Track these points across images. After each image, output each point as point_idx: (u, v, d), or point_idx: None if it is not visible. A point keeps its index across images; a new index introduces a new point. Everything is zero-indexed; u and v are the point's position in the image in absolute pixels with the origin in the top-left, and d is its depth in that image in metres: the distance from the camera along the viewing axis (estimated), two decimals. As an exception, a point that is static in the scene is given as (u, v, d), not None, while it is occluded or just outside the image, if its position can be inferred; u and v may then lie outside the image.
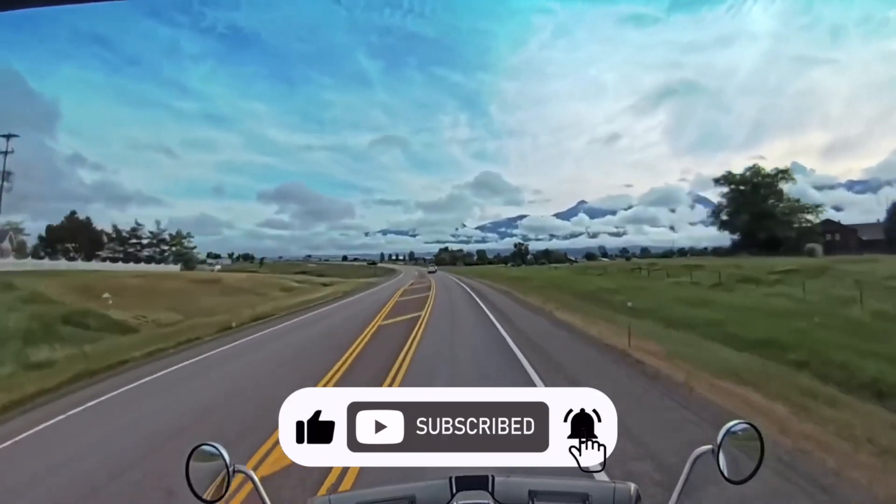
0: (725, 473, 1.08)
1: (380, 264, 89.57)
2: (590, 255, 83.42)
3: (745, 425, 1.09)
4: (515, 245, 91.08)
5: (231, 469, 1.11)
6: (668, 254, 70.34)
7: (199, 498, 1.09)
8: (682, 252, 66.59)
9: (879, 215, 40.73)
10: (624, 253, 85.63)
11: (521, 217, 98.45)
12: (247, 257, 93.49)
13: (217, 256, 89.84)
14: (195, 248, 61.64)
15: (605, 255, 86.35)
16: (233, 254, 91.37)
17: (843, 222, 43.86)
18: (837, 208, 49.91)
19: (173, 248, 57.51)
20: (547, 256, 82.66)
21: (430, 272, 61.46)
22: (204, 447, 1.12)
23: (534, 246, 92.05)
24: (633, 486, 1.19)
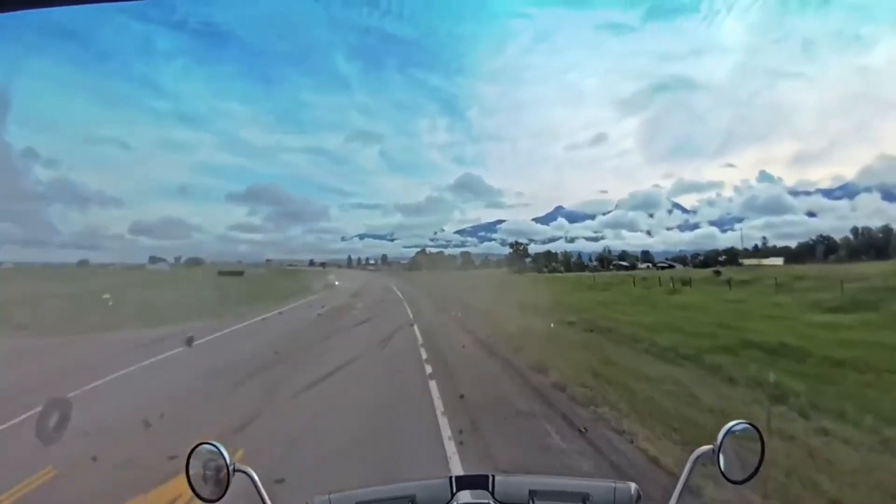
0: (726, 473, 1.06)
1: (346, 268, 76.50)
2: (604, 260, 72.18)
3: (745, 425, 1.07)
4: (512, 245, 78.76)
5: (231, 468, 1.09)
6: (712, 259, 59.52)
7: (199, 496, 1.08)
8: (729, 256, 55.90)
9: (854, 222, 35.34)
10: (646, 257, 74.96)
11: (501, 222, 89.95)
12: (197, 261, 78.85)
13: (161, 260, 75.65)
14: None
15: (621, 258, 75.15)
16: (180, 257, 76.86)
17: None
18: (811, 213, 44.18)
19: None
20: (552, 259, 71.18)
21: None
22: (204, 446, 1.10)
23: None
24: (633, 485, 1.18)
